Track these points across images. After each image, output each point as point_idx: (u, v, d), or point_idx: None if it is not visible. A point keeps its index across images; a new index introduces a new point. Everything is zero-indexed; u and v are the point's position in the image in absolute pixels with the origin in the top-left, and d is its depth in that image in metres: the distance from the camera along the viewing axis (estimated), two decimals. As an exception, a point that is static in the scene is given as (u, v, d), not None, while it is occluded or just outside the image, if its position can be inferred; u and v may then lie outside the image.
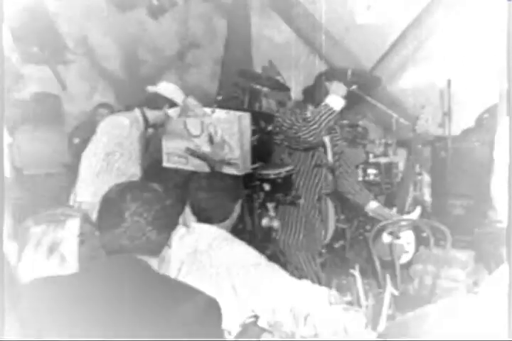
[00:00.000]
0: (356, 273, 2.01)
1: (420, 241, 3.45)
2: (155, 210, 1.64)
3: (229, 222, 2.30)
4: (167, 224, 1.68)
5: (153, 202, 1.64)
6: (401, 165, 4.47)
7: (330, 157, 3.45)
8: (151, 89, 3.60)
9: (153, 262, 1.63)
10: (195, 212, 2.26)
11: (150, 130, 3.69)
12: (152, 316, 1.45)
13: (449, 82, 4.26)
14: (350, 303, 2.00)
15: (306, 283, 2.09)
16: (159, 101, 3.58)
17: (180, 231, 2.26)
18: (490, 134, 3.18)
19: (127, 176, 3.51)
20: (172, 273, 2.10)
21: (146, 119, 3.61)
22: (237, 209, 2.32)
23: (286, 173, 3.55)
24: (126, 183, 1.72)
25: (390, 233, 3.48)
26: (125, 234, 1.60)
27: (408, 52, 4.68)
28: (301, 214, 3.41)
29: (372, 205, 3.47)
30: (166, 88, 3.60)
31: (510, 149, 2.26)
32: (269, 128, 3.85)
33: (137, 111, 3.62)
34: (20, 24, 3.97)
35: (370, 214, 3.44)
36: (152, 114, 3.62)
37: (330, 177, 3.43)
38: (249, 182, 3.50)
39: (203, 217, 2.27)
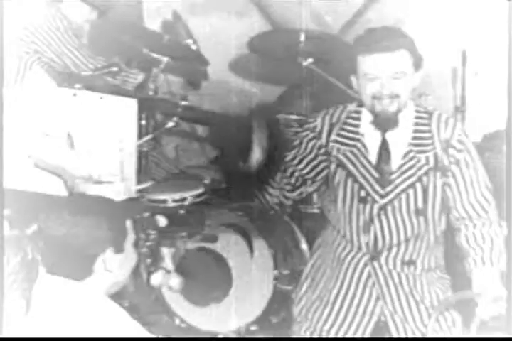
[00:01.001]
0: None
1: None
2: None
3: (104, 280, 2.30)
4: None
5: None
6: None
7: (398, 176, 3.03)
8: None
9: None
10: (45, 263, 2.25)
11: None
12: None
13: (463, 55, 4.18)
14: None
15: None
16: None
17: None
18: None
19: None
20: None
21: None
22: (116, 259, 2.31)
23: (193, 199, 3.56)
24: None
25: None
26: None
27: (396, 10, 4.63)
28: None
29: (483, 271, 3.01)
30: None
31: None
32: (170, 124, 3.82)
33: None
34: None
35: (475, 286, 3.00)
36: None
37: (382, 220, 3.04)
38: (132, 213, 3.22)
39: (58, 269, 2.25)
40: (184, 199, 3.57)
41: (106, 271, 2.28)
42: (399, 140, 3.02)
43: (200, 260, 3.75)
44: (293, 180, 3.12)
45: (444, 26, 4.43)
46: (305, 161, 3.09)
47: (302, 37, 3.89)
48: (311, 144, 3.09)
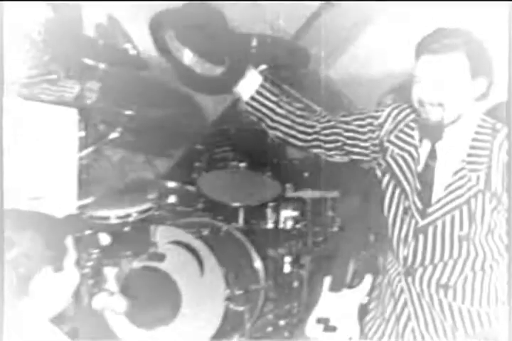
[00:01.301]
0: None
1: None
2: None
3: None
4: None
5: None
6: (341, 204, 4.40)
7: (445, 195, 2.84)
8: None
9: None
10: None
11: None
12: None
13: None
14: None
15: None
16: None
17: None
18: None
19: None
20: None
21: None
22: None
23: (139, 215, 3.48)
24: None
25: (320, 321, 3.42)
26: None
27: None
28: None
29: None
30: None
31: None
32: (114, 135, 3.75)
33: None
34: None
35: None
36: None
37: (419, 238, 2.90)
38: (73, 231, 3.12)
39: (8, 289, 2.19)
40: (128, 215, 3.47)
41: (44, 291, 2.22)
42: (451, 154, 2.83)
43: (147, 280, 3.71)
44: (328, 131, 2.91)
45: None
46: (355, 132, 2.90)
47: (254, 42, 3.77)
48: (368, 128, 2.89)
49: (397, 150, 2.85)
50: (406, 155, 2.83)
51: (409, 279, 2.92)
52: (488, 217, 2.82)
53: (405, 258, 2.90)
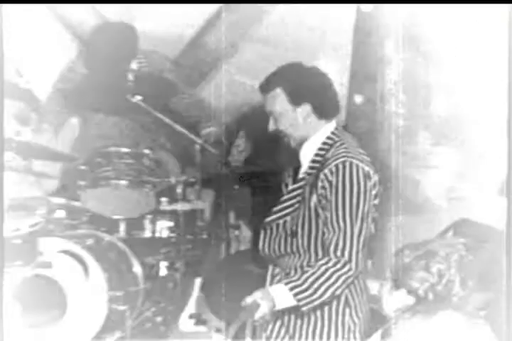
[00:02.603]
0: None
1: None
2: None
3: None
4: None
5: None
6: (208, 215, 4.54)
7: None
8: None
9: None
10: None
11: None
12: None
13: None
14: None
15: None
16: None
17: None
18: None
19: None
20: None
21: None
22: None
23: (29, 229, 3.54)
24: None
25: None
26: None
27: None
28: None
29: None
30: None
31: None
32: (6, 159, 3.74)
33: None
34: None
35: None
36: None
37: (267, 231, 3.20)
38: None
39: None
40: (19, 229, 3.50)
41: None
42: (303, 166, 3.15)
43: (36, 286, 3.72)
44: None
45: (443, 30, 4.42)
46: None
47: (131, 77, 4.11)
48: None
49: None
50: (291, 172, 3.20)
51: (269, 271, 3.18)
52: (314, 219, 3.04)
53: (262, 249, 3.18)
